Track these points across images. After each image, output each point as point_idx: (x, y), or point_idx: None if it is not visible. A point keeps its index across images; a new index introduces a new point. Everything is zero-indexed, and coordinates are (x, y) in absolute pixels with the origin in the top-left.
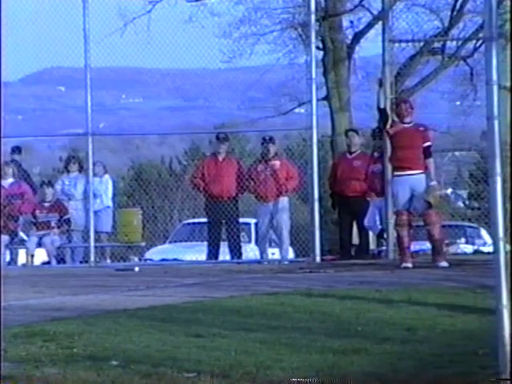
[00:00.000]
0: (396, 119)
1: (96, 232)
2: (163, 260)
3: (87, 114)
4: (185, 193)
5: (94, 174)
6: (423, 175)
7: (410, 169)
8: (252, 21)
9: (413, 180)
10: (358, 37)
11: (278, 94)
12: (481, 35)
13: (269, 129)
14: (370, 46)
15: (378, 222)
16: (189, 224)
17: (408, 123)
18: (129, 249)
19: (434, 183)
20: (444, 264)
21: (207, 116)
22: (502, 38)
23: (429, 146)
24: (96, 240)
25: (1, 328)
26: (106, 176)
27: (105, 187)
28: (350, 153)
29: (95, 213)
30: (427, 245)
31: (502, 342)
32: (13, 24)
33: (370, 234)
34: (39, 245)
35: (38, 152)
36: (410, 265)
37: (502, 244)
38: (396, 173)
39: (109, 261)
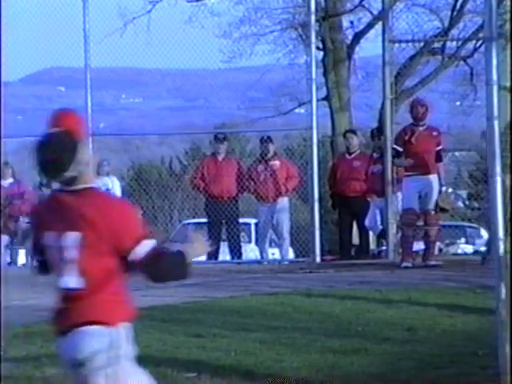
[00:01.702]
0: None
1: None
2: None
3: (87, 114)
4: (185, 193)
5: (104, 174)
6: (434, 177)
7: (421, 172)
8: (252, 21)
9: (423, 181)
10: (358, 37)
11: (278, 94)
12: (481, 35)
13: (269, 129)
14: (370, 46)
15: (378, 223)
16: (189, 224)
17: (423, 125)
18: None
19: (445, 188)
20: (434, 262)
21: (207, 116)
22: (502, 38)
23: (440, 150)
24: None
25: (1, 328)
26: (113, 177)
27: (116, 187)
28: (350, 153)
29: None
30: None
31: (501, 342)
32: (13, 24)
33: (371, 234)
34: None
35: None
36: (410, 264)
37: (501, 244)
38: (407, 173)
39: None
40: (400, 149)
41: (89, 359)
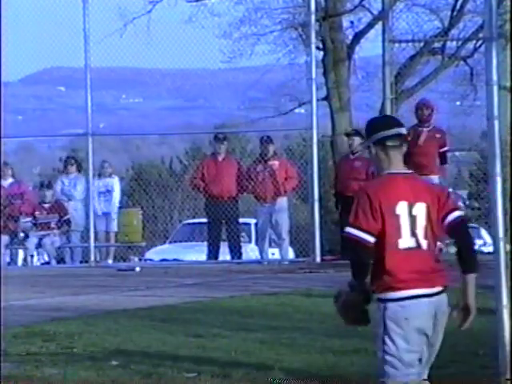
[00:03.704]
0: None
1: (107, 232)
2: (163, 260)
3: (87, 114)
4: (185, 193)
5: (107, 175)
6: (435, 178)
7: (422, 173)
8: (252, 21)
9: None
10: (358, 37)
11: (278, 94)
12: (481, 35)
13: (269, 129)
14: (370, 46)
15: None
16: (189, 224)
17: (427, 127)
18: (129, 249)
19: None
20: None
21: (207, 116)
22: (501, 38)
23: (445, 152)
24: (97, 240)
25: (1, 328)
26: (116, 177)
27: (116, 188)
28: (353, 154)
29: (107, 214)
30: None
31: (502, 342)
32: (13, 24)
33: None
34: (39, 245)
35: (38, 152)
36: None
37: (501, 244)
38: None
39: (110, 261)
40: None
41: (444, 320)
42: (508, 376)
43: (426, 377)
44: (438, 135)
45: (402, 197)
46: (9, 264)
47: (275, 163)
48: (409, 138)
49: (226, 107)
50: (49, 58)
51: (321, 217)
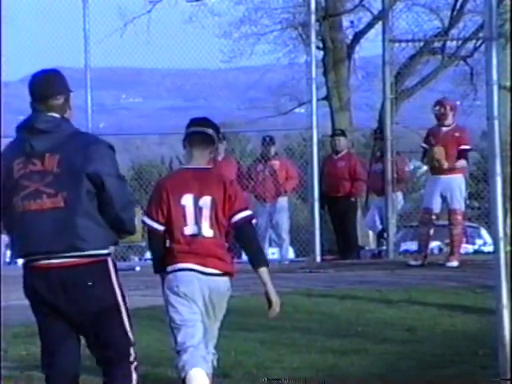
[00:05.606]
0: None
1: None
2: None
3: (87, 114)
4: None
5: None
6: (457, 176)
7: (443, 172)
8: (252, 21)
9: (444, 181)
10: (358, 37)
11: (278, 93)
12: (481, 35)
13: (269, 129)
14: (370, 46)
15: (378, 222)
16: None
17: (447, 126)
18: (129, 248)
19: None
20: (453, 264)
21: (207, 116)
22: (501, 37)
23: (464, 150)
24: None
25: (1, 328)
26: None
27: None
28: (336, 154)
29: None
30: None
31: (501, 342)
32: (13, 24)
33: (370, 233)
34: None
35: None
36: (413, 262)
37: (501, 244)
38: (430, 173)
39: None
40: (427, 147)
41: (220, 301)
42: (508, 376)
43: (206, 363)
44: (457, 134)
45: (189, 190)
46: (9, 264)
47: (276, 163)
48: (430, 138)
49: (226, 107)
50: (49, 58)
51: (321, 217)
